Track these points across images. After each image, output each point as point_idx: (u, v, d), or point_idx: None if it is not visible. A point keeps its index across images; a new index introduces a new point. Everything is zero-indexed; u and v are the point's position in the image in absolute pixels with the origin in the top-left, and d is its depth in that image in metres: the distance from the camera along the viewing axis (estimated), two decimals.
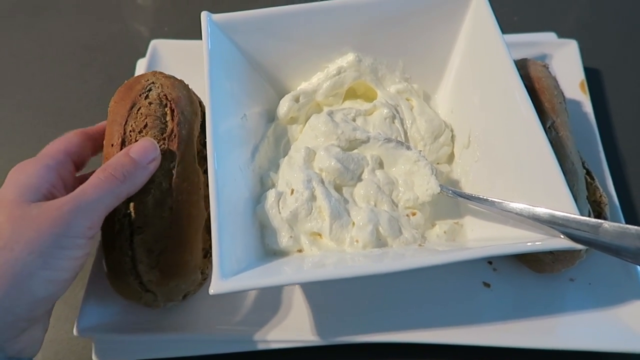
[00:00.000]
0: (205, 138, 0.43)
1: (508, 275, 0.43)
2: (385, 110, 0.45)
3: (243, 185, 0.40)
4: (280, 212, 0.40)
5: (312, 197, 0.40)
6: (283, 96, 0.47)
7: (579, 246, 0.33)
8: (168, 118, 0.40)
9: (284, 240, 0.39)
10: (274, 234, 0.40)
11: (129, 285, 0.38)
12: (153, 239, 0.37)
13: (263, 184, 0.43)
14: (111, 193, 0.34)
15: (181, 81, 0.44)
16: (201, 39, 0.42)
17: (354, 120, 0.45)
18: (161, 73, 0.43)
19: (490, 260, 0.44)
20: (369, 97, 0.49)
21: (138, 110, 0.40)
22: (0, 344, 0.31)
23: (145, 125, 0.39)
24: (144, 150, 0.37)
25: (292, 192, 0.40)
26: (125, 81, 0.43)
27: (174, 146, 0.39)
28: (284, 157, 0.44)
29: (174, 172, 0.38)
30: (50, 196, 0.35)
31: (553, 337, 0.40)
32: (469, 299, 0.42)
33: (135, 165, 0.36)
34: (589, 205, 0.40)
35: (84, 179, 0.37)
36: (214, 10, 0.44)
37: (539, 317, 0.41)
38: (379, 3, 0.44)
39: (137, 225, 0.37)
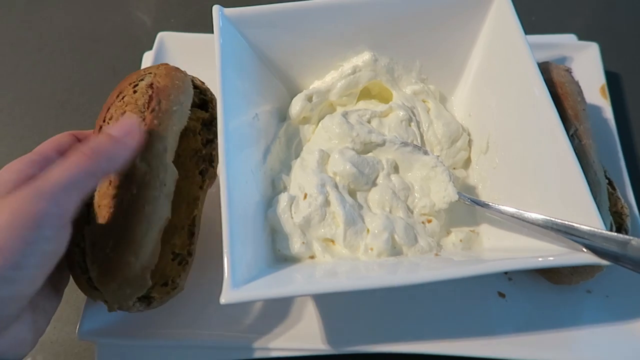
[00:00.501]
0: (208, 136, 0.41)
1: (523, 285, 0.42)
2: (401, 113, 0.44)
3: (254, 187, 0.39)
4: (292, 217, 0.39)
5: (326, 202, 0.39)
6: (295, 95, 0.45)
7: (604, 262, 0.32)
8: (147, 107, 0.37)
9: (296, 246, 0.38)
10: (286, 239, 0.38)
11: (78, 279, 0.36)
12: (98, 232, 0.34)
13: (274, 187, 0.41)
14: (82, 172, 0.31)
15: (182, 73, 0.40)
16: (209, 32, 0.40)
17: (369, 122, 0.44)
18: (166, 64, 0.40)
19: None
20: (384, 97, 0.48)
21: (122, 98, 0.38)
22: None
23: (123, 113, 0.36)
24: (119, 124, 0.34)
25: (305, 197, 0.39)
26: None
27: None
28: (296, 158, 0.43)
29: (134, 162, 0.34)
30: None
31: (568, 351, 0.39)
32: (483, 309, 0.41)
33: (110, 139, 0.33)
34: (611, 217, 0.39)
35: None
36: (221, 3, 0.42)
37: (554, 330, 0.40)
38: (397, 1, 0.43)
39: (91, 215, 0.35)
